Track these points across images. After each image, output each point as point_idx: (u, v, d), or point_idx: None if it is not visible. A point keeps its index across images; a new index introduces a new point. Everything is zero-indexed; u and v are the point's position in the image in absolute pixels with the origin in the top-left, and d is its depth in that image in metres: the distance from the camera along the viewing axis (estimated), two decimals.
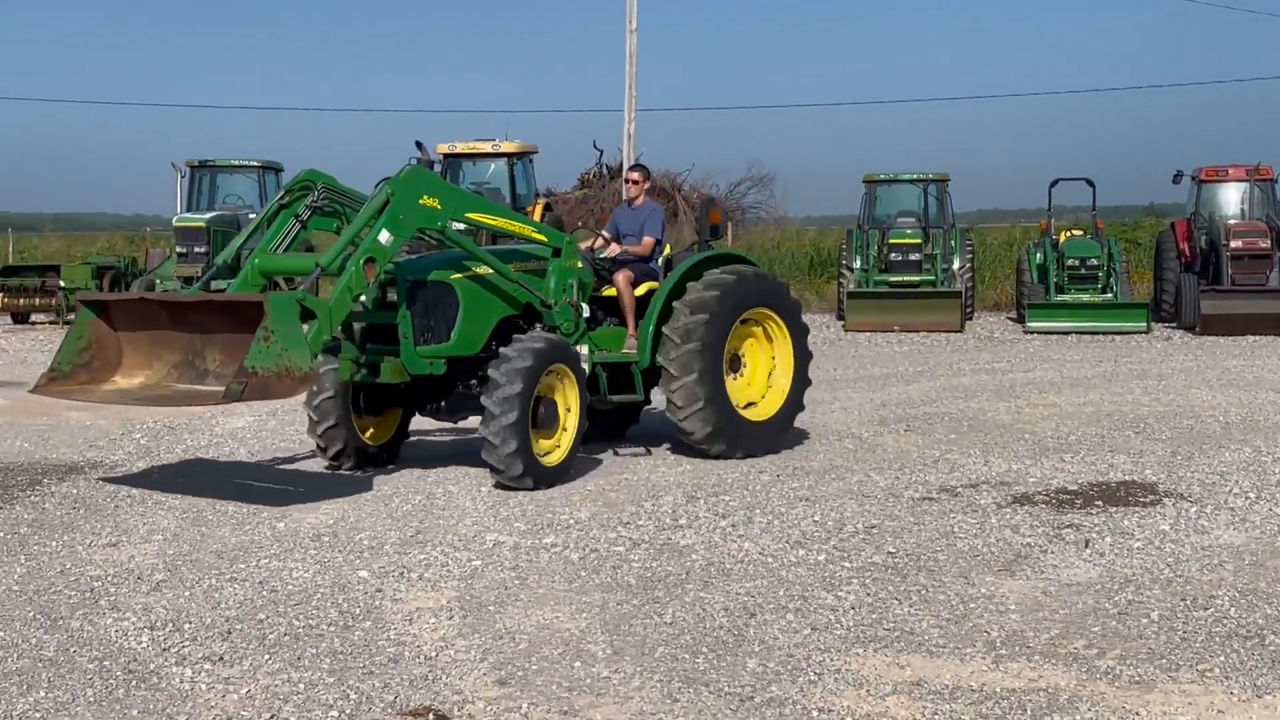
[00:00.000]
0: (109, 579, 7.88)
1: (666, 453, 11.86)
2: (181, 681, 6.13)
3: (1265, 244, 24.75)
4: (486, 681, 6.10)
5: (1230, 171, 26.65)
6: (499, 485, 10.28)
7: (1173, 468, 11.02)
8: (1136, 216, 44.44)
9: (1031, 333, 24.30)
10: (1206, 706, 5.73)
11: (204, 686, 6.06)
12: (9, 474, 11.15)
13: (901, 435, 12.95)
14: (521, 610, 7.19)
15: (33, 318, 29.06)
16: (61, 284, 27.37)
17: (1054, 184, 27.88)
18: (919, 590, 7.49)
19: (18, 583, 7.82)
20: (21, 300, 28.44)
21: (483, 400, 10.15)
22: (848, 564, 8.07)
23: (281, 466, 11.51)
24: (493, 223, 11.09)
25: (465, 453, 11.70)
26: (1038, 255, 26.58)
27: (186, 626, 6.93)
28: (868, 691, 5.94)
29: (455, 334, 10.68)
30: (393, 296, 10.53)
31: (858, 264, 27.18)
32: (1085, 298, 25.20)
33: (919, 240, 26.97)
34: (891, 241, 26.96)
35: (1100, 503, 9.72)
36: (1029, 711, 5.68)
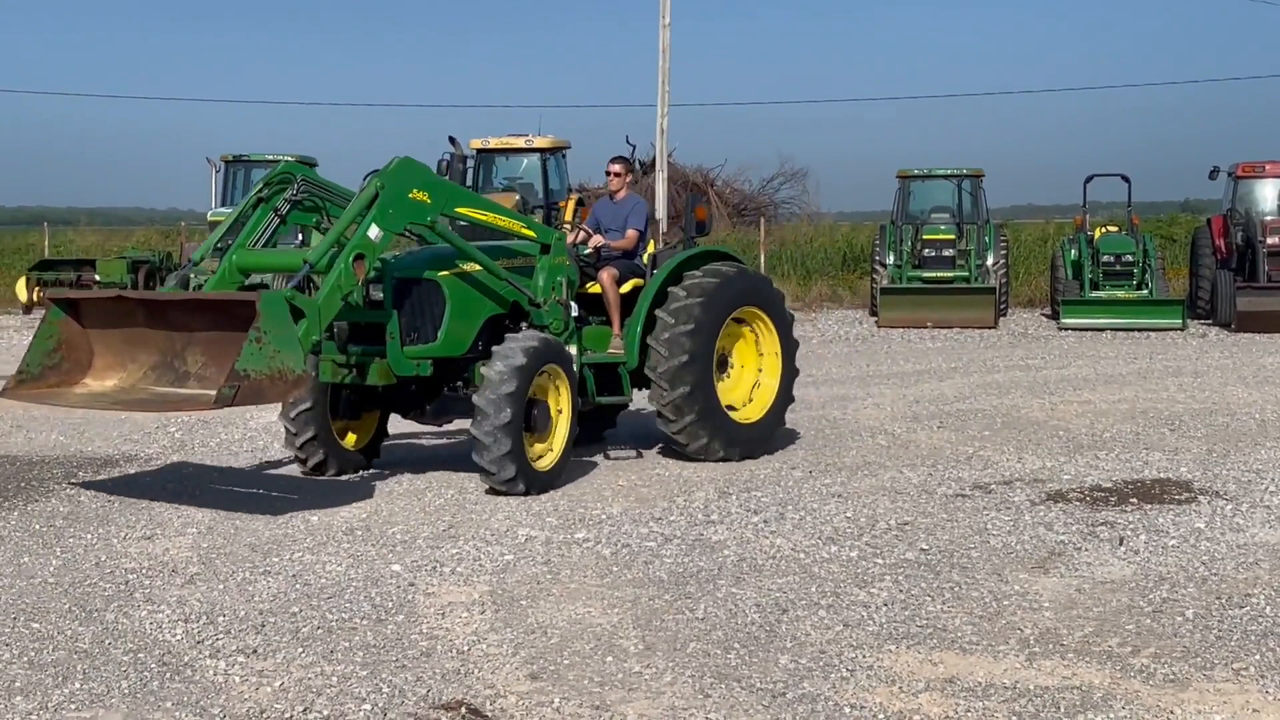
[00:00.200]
0: (144, 572, 7.93)
1: (661, 455, 11.58)
2: (215, 674, 6.16)
3: None
4: (518, 675, 6.11)
5: (1267, 167, 26.44)
6: (490, 490, 9.90)
7: (1208, 465, 10.96)
8: (1172, 213, 44.16)
9: (1066, 329, 24.19)
10: (1241, 705, 5.70)
11: (238, 679, 6.09)
12: (45, 467, 11.23)
13: (935, 432, 12.91)
14: (553, 605, 7.20)
15: None
16: (97, 278, 27.53)
17: (1089, 180, 27.73)
18: (952, 587, 7.47)
19: (53, 575, 7.87)
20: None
21: (475, 399, 9.78)
22: (880, 560, 8.05)
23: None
24: (482, 218, 10.57)
25: None
26: (1072, 251, 26.43)
27: (220, 619, 6.96)
28: (900, 688, 5.92)
29: (442, 334, 10.27)
30: (376, 295, 10.11)
31: (891, 260, 27.08)
32: (1120, 294, 25.06)
33: (953, 236, 26.87)
34: (925, 237, 26.86)
35: (1135, 500, 9.67)
36: (1062, 709, 5.66)
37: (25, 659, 6.37)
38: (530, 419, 9.98)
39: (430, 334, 10.27)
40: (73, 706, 5.78)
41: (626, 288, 11.36)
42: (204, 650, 6.48)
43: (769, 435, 11.69)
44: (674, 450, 11.30)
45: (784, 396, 11.84)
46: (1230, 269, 25.58)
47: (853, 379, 17.32)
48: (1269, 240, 24.57)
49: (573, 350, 10.80)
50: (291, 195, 10.72)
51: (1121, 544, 8.37)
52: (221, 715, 5.65)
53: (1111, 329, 23.99)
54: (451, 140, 24.35)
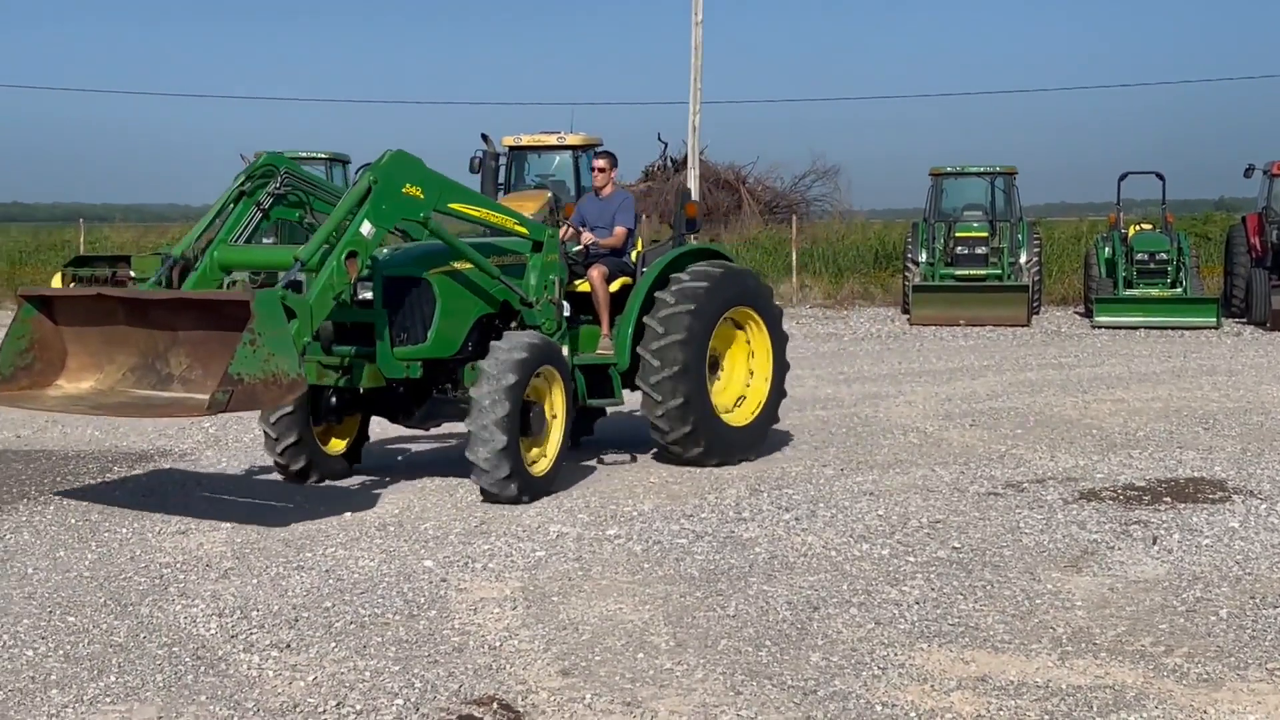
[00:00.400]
0: (178, 566, 7.98)
1: (655, 460, 11.26)
2: (249, 668, 6.19)
3: None
4: (550, 672, 6.13)
5: None
6: (484, 495, 9.56)
7: (1242, 464, 10.90)
8: (1207, 210, 43.92)
9: (1099, 327, 24.08)
10: (1276, 705, 5.67)
11: (271, 673, 6.12)
12: (80, 462, 11.31)
13: (967, 430, 12.87)
14: (585, 601, 7.21)
15: None
16: (133, 274, 27.67)
17: (1123, 177, 27.59)
18: (984, 586, 7.45)
19: (89, 569, 7.93)
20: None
21: (471, 391, 9.47)
22: (912, 559, 8.04)
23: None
24: (475, 214, 10.10)
25: None
26: (1106, 249, 26.30)
27: (254, 614, 7.00)
28: (932, 687, 5.92)
29: (432, 334, 9.89)
30: (364, 294, 9.66)
31: (923, 257, 27.00)
32: (1154, 292, 24.92)
33: (986, 233, 26.77)
34: (958, 235, 26.78)
35: (1168, 499, 9.62)
36: (1095, 708, 5.64)
37: (61, 652, 6.42)
38: (526, 421, 9.67)
39: (420, 334, 9.89)
40: (108, 700, 5.82)
41: (615, 286, 11.02)
42: (238, 644, 6.52)
43: (763, 436, 11.41)
44: (666, 456, 10.98)
45: (776, 393, 11.50)
46: (1265, 267, 25.40)
47: (884, 377, 17.29)
48: None
49: (565, 351, 10.44)
50: (275, 188, 10.29)
51: (1155, 543, 8.34)
52: (255, 709, 5.69)
53: (1145, 327, 23.86)
54: (484, 137, 24.41)
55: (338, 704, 5.73)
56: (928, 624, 6.78)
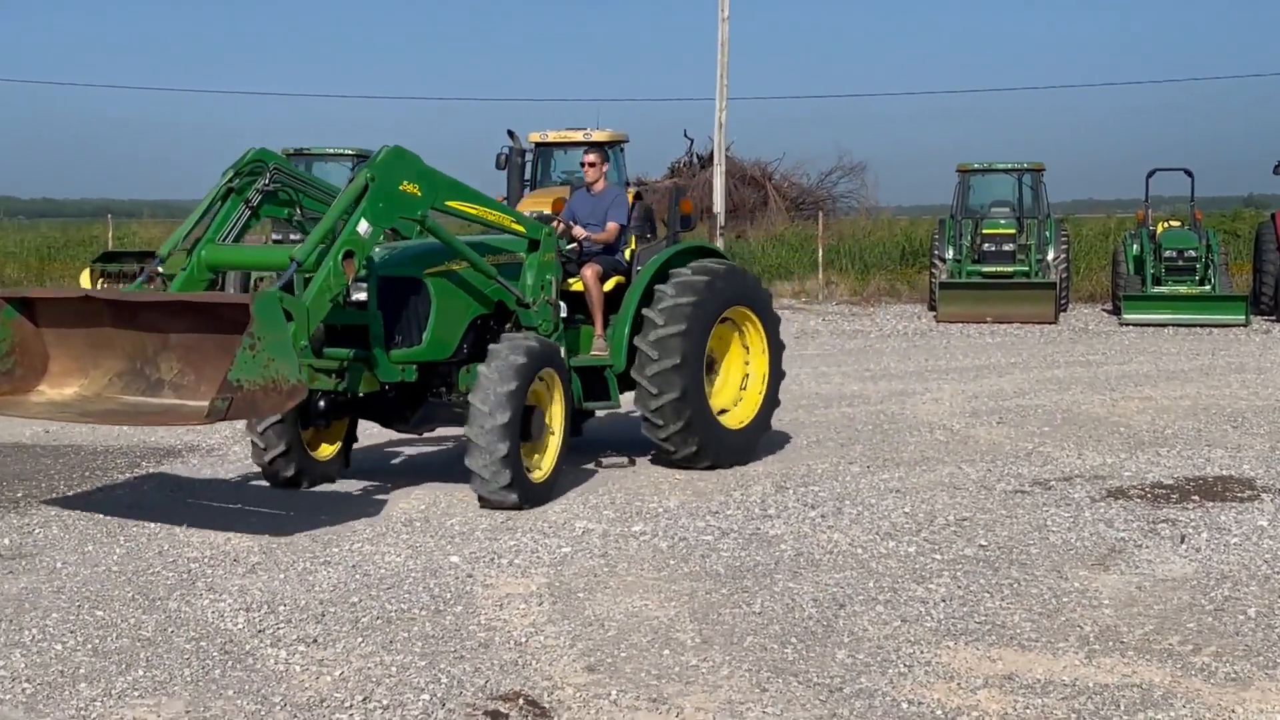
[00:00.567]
0: (206, 561, 8.01)
1: (651, 463, 11.01)
2: (276, 663, 6.22)
3: None
4: (576, 668, 6.14)
5: None
6: (482, 503, 9.30)
7: (1271, 463, 10.85)
8: (1235, 207, 43.73)
9: (1127, 325, 23.97)
10: None
11: (298, 668, 6.15)
12: (108, 457, 11.37)
13: (994, 427, 12.84)
14: (610, 597, 7.22)
15: None
16: (160, 270, 27.78)
17: (1151, 174, 27.46)
18: (1011, 584, 7.43)
19: (117, 563, 7.97)
20: (121, 286, 28.90)
21: (470, 398, 9.17)
22: (938, 556, 8.02)
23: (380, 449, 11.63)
24: (472, 211, 9.74)
25: None
26: (1134, 246, 26.18)
27: (281, 609, 7.03)
28: (958, 684, 5.91)
29: (427, 337, 9.59)
30: (357, 295, 9.36)
31: (950, 254, 26.91)
32: (1182, 290, 24.80)
33: (1013, 230, 26.67)
34: (985, 232, 26.69)
35: (1196, 497, 9.58)
36: (1122, 707, 5.62)
37: (89, 646, 6.46)
38: (526, 426, 9.39)
39: (415, 337, 9.60)
40: (136, 694, 5.85)
41: (609, 285, 10.78)
42: (265, 639, 6.55)
43: (756, 441, 11.15)
44: (661, 459, 10.73)
45: (770, 400, 11.28)
46: None
47: (911, 374, 17.25)
48: None
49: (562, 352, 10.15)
50: (264, 185, 9.96)
51: (1183, 541, 8.31)
52: (282, 703, 5.71)
53: (1173, 325, 23.75)
54: (510, 134, 24.44)
55: (364, 699, 5.75)
56: (954, 622, 6.77)
